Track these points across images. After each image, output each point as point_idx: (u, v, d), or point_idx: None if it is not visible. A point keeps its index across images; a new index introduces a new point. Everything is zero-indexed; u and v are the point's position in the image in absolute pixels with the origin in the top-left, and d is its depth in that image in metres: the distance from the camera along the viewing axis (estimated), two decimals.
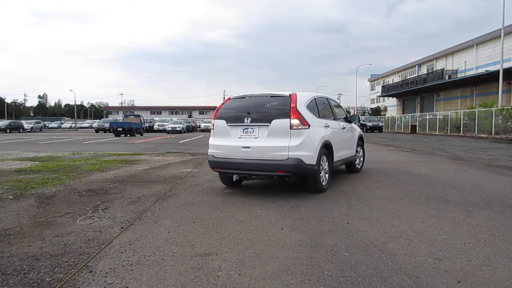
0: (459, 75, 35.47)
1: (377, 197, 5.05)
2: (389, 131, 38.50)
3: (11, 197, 5.03)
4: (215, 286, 2.39)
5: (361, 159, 7.79)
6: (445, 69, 37.90)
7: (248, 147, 4.99)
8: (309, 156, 4.89)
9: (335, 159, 5.81)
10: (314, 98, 5.66)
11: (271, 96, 5.22)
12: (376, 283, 2.41)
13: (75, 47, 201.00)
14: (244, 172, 5.06)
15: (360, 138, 7.70)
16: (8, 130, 38.71)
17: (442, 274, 2.55)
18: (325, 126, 5.55)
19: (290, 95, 5.08)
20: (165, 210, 4.42)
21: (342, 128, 6.48)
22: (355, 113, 56.58)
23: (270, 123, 4.92)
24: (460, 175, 7.15)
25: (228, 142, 5.24)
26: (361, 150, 7.76)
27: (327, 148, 5.44)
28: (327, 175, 5.47)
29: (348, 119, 7.13)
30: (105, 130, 36.65)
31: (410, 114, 38.58)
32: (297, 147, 4.79)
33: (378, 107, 58.80)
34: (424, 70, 43.71)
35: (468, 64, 35.40)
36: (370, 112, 60.09)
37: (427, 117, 33.32)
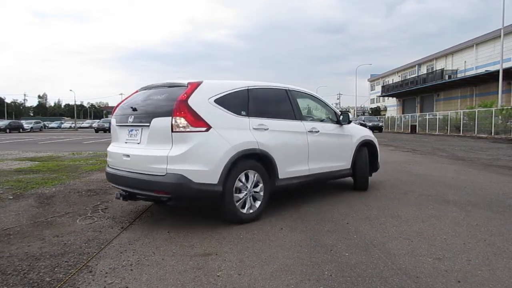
0: (459, 75, 35.47)
1: (377, 197, 5.05)
2: (389, 131, 38.50)
3: (11, 197, 5.03)
4: (215, 286, 2.39)
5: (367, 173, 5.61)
6: (445, 69, 37.90)
7: (128, 156, 3.83)
8: (203, 171, 3.48)
9: (282, 175, 4.17)
10: (247, 89, 4.13)
11: (168, 86, 3.95)
12: (376, 283, 2.42)
13: (75, 47, 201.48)
14: (125, 189, 3.82)
15: (365, 144, 5.57)
16: (8, 130, 38.70)
17: (442, 274, 2.55)
18: (256, 128, 3.97)
19: (188, 83, 3.74)
20: (164, 210, 4.42)
21: (311, 131, 4.65)
22: (355, 113, 56.62)
23: (150, 123, 3.68)
24: (460, 175, 7.16)
25: (115, 147, 4.17)
26: (366, 160, 5.52)
27: (261, 160, 3.96)
28: (254, 198, 3.92)
29: (337, 119, 5.24)
30: (105, 130, 36.61)
31: (410, 114, 38.57)
32: (180, 158, 3.43)
33: (378, 107, 58.82)
34: (424, 70, 43.70)
35: (468, 64, 35.40)
36: (370, 112, 60.10)
37: (427, 117, 33.31)
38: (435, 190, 5.57)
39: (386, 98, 54.14)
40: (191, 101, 3.55)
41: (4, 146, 16.20)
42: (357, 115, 53.81)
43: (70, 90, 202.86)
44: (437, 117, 31.60)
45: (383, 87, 52.54)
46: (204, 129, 3.55)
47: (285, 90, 4.70)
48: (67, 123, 70.79)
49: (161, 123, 3.57)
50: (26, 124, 44.88)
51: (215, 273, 2.58)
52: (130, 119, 3.92)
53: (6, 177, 6.71)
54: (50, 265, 2.72)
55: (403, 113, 45.52)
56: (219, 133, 3.63)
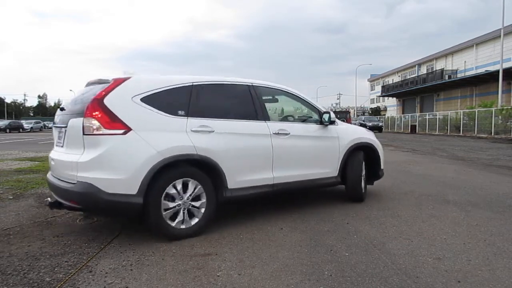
0: (459, 75, 35.47)
1: (377, 197, 5.05)
2: (389, 131, 38.51)
3: (11, 197, 5.03)
4: (215, 286, 2.40)
5: (363, 182, 4.79)
6: (445, 69, 37.91)
7: (53, 160, 3.57)
8: (116, 180, 3.04)
9: (233, 185, 3.61)
10: (191, 85, 3.59)
11: (98, 83, 3.50)
12: (376, 283, 2.42)
13: (75, 47, 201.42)
14: (54, 196, 3.50)
15: (361, 148, 4.79)
16: (8, 130, 38.72)
17: (442, 274, 2.55)
18: (197, 131, 3.42)
19: (113, 79, 3.33)
20: None
21: (278, 133, 3.99)
22: (355, 113, 56.58)
23: (67, 124, 3.36)
24: (460, 175, 7.16)
25: (51, 151, 3.84)
26: (359, 166, 4.70)
27: (203, 167, 3.44)
28: (194, 211, 3.40)
29: (320, 119, 4.50)
30: None
31: (410, 114, 38.58)
32: (90, 165, 3.04)
33: (378, 107, 58.82)
34: (424, 70, 43.70)
35: (468, 64, 35.40)
36: (370, 112, 60.12)
37: (427, 117, 33.33)
38: (435, 190, 5.57)
39: (386, 98, 54.13)
40: (108, 100, 3.14)
41: (4, 146, 16.21)
42: (357, 115, 53.82)
43: (70, 90, 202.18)
44: (437, 117, 31.62)
45: (383, 87, 52.54)
46: (121, 131, 3.10)
47: (248, 86, 4.07)
48: None
49: (75, 124, 3.21)
50: (26, 124, 44.91)
51: (215, 273, 2.58)
52: (57, 120, 3.66)
53: (6, 177, 6.71)
54: (50, 265, 2.72)
55: (403, 113, 45.52)
56: (141, 136, 3.16)
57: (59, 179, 3.38)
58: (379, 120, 39.40)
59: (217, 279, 2.49)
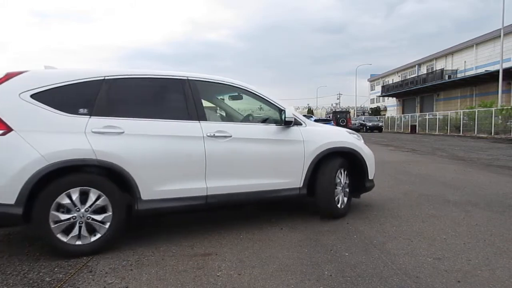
0: (459, 75, 35.49)
1: (376, 197, 5.05)
2: (389, 131, 38.52)
3: None
4: (215, 286, 2.40)
5: (342, 195, 4.05)
6: (445, 69, 37.93)
7: None
8: None
9: (149, 196, 3.09)
10: (102, 80, 3.14)
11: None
12: (376, 283, 2.42)
13: (75, 47, 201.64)
14: None
15: (339, 154, 4.03)
16: None
17: (442, 274, 2.55)
18: (99, 132, 2.96)
19: (6, 74, 2.99)
20: None
21: (214, 136, 3.37)
22: (355, 113, 56.60)
23: None
24: (460, 175, 7.16)
25: None
26: (332, 176, 3.89)
27: (108, 175, 2.98)
28: (96, 224, 2.93)
29: (281, 119, 3.77)
30: None
31: (410, 114, 38.60)
32: None
33: (378, 107, 58.82)
34: (424, 70, 43.71)
35: (468, 64, 35.41)
36: (370, 112, 60.14)
37: (427, 117, 33.34)
38: (435, 190, 5.57)
39: (386, 98, 54.16)
40: None
41: None
42: (357, 115, 53.84)
43: None
44: (437, 117, 31.63)
45: (383, 87, 52.54)
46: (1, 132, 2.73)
47: (181, 80, 3.48)
48: None
49: None
50: None
51: (215, 273, 2.58)
52: None
53: None
54: (50, 265, 2.72)
55: (403, 113, 45.53)
56: (24, 138, 2.76)
57: None
58: (379, 120, 39.44)
59: (217, 279, 2.49)
